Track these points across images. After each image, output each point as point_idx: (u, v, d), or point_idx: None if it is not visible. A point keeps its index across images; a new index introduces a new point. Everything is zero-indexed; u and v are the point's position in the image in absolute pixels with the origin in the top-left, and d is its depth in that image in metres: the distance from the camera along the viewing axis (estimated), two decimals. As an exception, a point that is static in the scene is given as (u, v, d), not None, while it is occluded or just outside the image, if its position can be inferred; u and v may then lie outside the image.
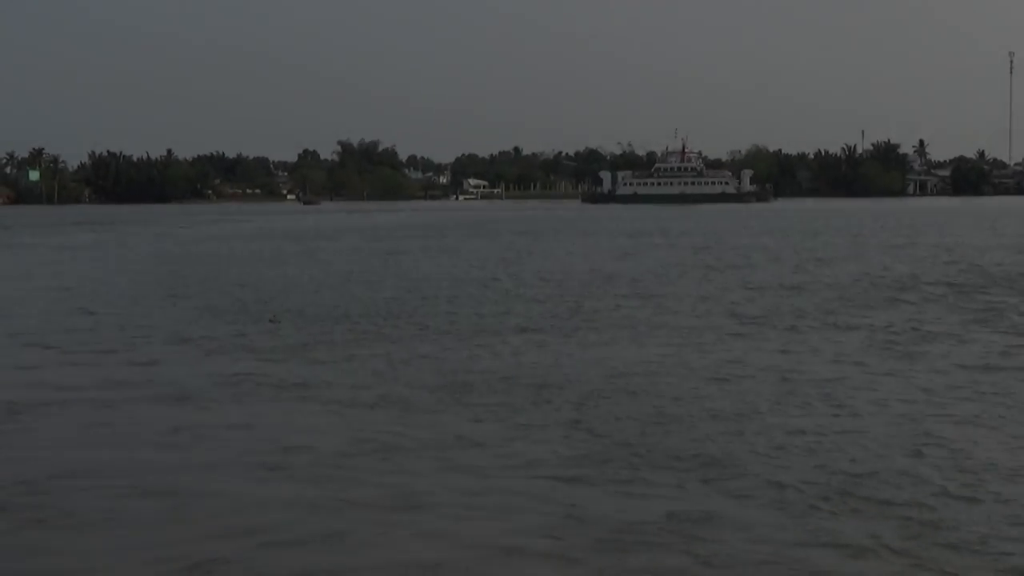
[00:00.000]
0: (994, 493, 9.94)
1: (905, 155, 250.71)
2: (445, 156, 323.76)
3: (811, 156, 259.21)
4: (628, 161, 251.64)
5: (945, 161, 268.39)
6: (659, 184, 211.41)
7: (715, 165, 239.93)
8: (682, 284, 32.32)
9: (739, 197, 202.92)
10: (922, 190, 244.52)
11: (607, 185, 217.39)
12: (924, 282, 31.42)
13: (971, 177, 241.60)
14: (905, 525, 9.14)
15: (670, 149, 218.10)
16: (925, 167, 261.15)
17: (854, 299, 27.05)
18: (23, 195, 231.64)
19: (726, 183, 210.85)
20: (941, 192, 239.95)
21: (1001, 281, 31.40)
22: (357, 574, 8.38)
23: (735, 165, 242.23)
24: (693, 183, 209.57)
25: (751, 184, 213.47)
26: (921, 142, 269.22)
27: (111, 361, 18.58)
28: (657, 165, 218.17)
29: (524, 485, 10.49)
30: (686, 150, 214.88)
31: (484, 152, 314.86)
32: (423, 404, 14.44)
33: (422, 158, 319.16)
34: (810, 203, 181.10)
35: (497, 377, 16.26)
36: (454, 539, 9.02)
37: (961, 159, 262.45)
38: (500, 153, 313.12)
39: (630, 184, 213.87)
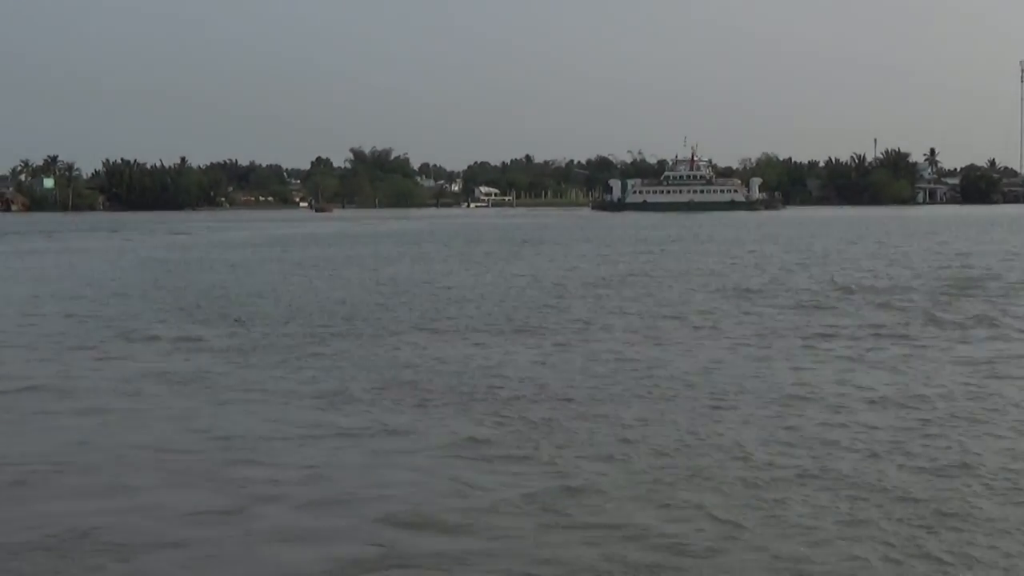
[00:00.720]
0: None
1: (915, 164, 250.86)
2: (458, 164, 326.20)
3: (822, 165, 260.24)
4: (639, 169, 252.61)
5: (956, 170, 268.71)
6: (668, 192, 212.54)
7: (726, 173, 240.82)
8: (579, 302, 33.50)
9: (748, 205, 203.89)
10: (931, 199, 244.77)
11: (616, 193, 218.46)
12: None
13: (981, 185, 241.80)
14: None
15: (679, 157, 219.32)
16: (935, 176, 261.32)
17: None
18: (38, 202, 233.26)
19: (735, 191, 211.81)
20: (951, 201, 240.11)
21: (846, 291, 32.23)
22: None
23: (746, 173, 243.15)
24: (702, 191, 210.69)
25: (760, 192, 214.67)
26: (932, 151, 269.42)
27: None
28: (666, 173, 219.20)
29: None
30: (695, 158, 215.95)
31: (496, 160, 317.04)
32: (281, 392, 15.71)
33: (435, 166, 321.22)
34: (808, 212, 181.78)
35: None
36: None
37: (971, 167, 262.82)
38: (512, 161, 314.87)
39: (639, 192, 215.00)
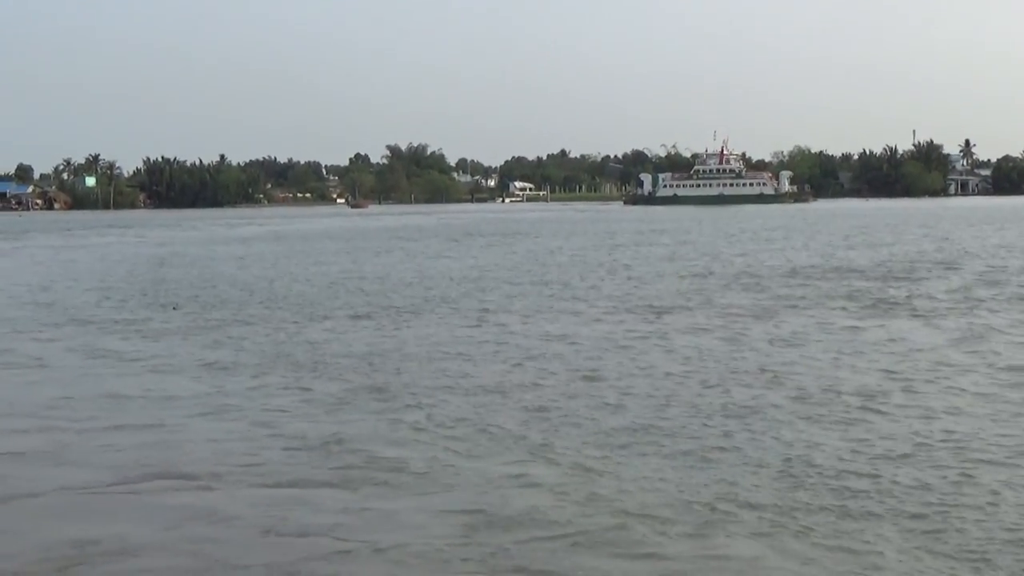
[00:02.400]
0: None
1: (947, 155, 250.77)
2: (495, 159, 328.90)
3: (856, 157, 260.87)
4: (673, 163, 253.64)
5: (990, 161, 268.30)
6: (698, 186, 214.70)
7: (759, 166, 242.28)
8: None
9: (777, 198, 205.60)
10: (963, 190, 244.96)
11: (647, 187, 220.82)
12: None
13: (1013, 176, 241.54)
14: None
15: (709, 151, 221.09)
16: (968, 167, 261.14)
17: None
18: (80, 201, 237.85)
19: (764, 184, 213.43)
20: (983, 192, 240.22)
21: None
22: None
23: (779, 166, 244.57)
24: (731, 184, 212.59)
25: (791, 185, 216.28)
26: (967, 142, 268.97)
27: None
28: (696, 167, 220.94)
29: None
30: (725, 152, 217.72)
31: (533, 155, 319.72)
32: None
33: (472, 161, 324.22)
34: (833, 204, 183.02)
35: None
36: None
37: (1005, 158, 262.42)
38: (548, 156, 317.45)
39: (669, 186, 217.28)
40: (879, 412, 13.75)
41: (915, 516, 9.57)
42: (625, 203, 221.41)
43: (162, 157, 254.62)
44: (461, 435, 12.94)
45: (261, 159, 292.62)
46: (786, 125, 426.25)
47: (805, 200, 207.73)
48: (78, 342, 21.90)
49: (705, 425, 13.18)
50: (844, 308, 25.35)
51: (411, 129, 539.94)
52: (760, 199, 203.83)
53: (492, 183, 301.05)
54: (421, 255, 52.00)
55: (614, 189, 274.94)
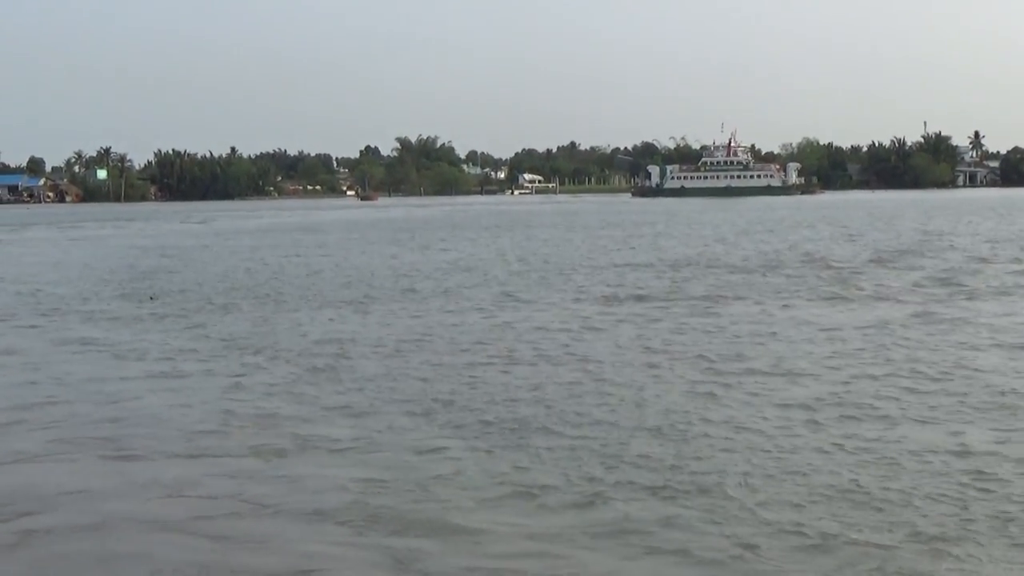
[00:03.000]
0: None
1: (955, 147, 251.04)
2: (505, 151, 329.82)
3: (865, 149, 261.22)
4: (683, 155, 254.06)
5: (999, 152, 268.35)
6: (705, 178, 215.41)
7: (768, 158, 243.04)
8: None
9: (784, 190, 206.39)
10: (972, 182, 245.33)
11: (655, 179, 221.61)
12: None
13: (1021, 168, 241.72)
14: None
15: (717, 143, 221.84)
16: (977, 159, 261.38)
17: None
18: (91, 193, 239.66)
19: (771, 176, 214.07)
20: (991, 183, 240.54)
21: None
22: None
23: (788, 158, 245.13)
24: (739, 176, 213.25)
25: (799, 177, 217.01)
26: (976, 133, 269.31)
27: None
28: (704, 159, 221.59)
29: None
30: (732, 144, 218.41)
31: (543, 148, 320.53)
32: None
33: (482, 153, 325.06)
34: (840, 196, 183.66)
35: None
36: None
37: (1015, 150, 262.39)
38: (558, 148, 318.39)
39: (677, 178, 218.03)
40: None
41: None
42: (633, 195, 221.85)
43: (173, 150, 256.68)
44: (382, 412, 13.94)
45: (272, 151, 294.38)
46: (796, 117, 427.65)
47: (812, 192, 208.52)
48: (47, 330, 22.97)
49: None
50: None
51: (422, 122, 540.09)
52: (768, 191, 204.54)
53: (502, 175, 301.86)
54: (407, 247, 53.15)
55: (623, 181, 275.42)
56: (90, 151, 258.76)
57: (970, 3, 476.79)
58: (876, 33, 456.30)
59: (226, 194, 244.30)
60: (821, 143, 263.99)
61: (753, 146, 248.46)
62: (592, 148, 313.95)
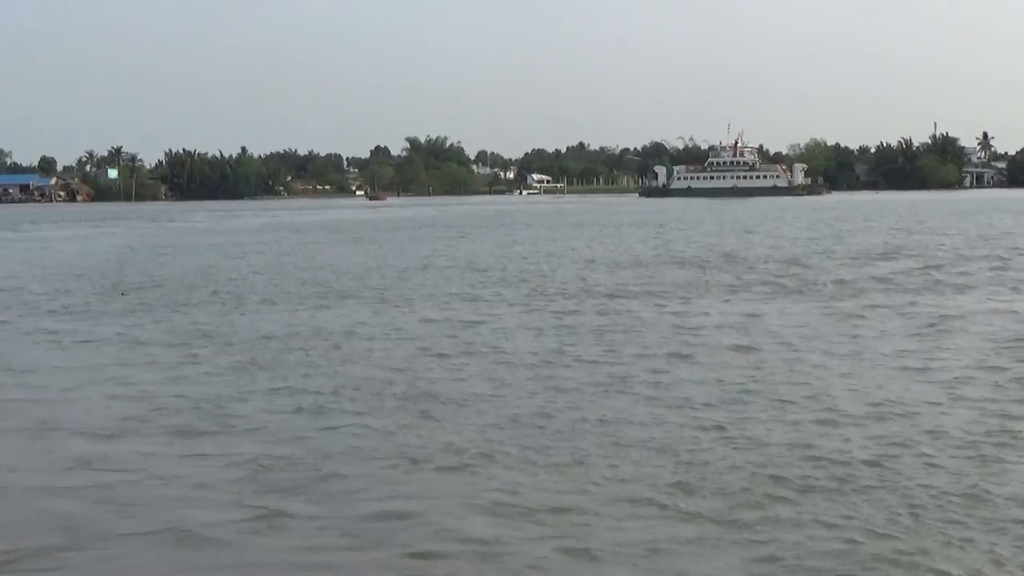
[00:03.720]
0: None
1: (962, 148, 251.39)
2: (515, 152, 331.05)
3: (873, 150, 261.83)
4: (691, 155, 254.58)
5: (1007, 154, 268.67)
6: (711, 178, 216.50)
7: (776, 159, 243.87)
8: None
9: (790, 190, 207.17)
10: (979, 183, 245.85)
11: (662, 179, 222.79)
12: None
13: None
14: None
15: (723, 144, 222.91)
16: (985, 160, 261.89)
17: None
18: (102, 192, 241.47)
19: (777, 176, 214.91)
20: (998, 184, 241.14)
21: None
22: None
23: (795, 158, 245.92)
24: (745, 177, 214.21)
25: (805, 178, 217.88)
26: (985, 134, 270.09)
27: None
28: (710, 160, 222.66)
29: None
30: (738, 144, 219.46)
31: (553, 148, 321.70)
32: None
33: (492, 154, 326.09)
34: (840, 197, 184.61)
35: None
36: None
37: (1023, 151, 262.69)
38: (568, 149, 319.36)
39: (684, 178, 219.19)
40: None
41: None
42: (640, 195, 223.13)
43: (183, 150, 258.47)
44: (302, 399, 15.16)
45: (282, 151, 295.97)
46: (807, 118, 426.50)
47: (818, 192, 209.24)
48: (19, 323, 24.27)
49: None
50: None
51: (434, 122, 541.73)
52: (773, 191, 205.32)
53: (511, 175, 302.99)
54: (386, 245, 54.48)
55: (631, 181, 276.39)
56: (101, 151, 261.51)
57: (982, 3, 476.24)
58: (888, 33, 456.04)
59: (236, 194, 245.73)
60: (829, 144, 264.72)
61: (761, 147, 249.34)
62: (601, 148, 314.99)
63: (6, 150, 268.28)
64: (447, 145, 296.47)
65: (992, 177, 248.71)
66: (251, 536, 9.59)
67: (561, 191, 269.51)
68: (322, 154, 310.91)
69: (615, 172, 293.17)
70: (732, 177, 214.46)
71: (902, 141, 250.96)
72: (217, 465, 11.85)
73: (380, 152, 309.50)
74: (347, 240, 61.86)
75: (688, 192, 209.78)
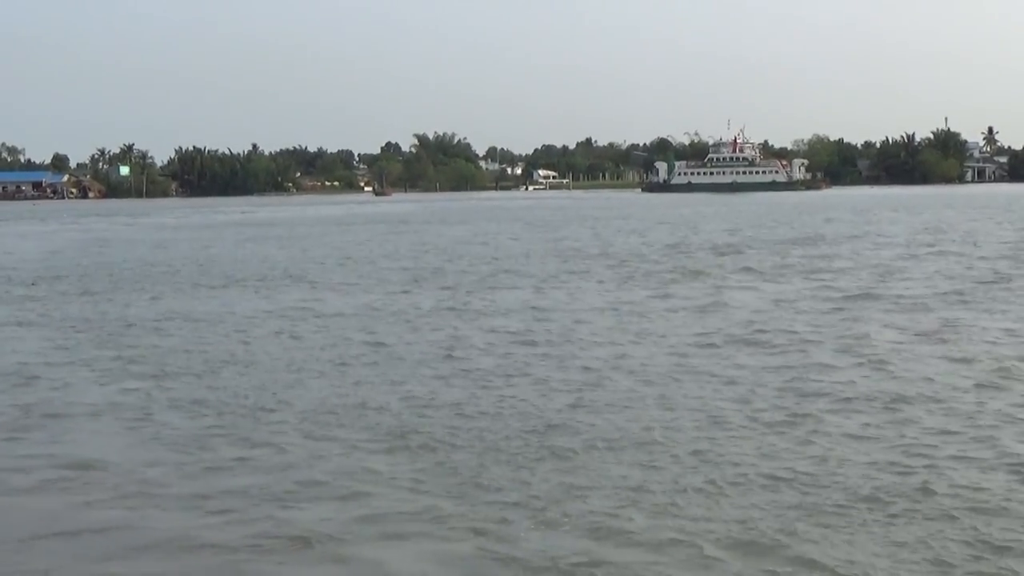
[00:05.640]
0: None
1: (964, 142, 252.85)
2: (525, 148, 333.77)
3: (878, 145, 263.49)
4: (696, 150, 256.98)
5: (1010, 148, 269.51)
6: (711, 173, 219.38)
7: (780, 154, 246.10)
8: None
9: (789, 185, 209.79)
10: (980, 177, 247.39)
11: (662, 175, 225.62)
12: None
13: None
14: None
15: (723, 139, 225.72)
16: (988, 154, 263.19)
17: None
18: (114, 189, 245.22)
19: (776, 172, 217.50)
20: (999, 179, 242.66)
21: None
22: None
23: (799, 154, 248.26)
24: (744, 172, 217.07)
25: (806, 173, 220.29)
26: (990, 129, 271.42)
27: None
28: (710, 155, 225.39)
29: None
30: (738, 140, 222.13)
31: (561, 144, 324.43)
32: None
33: (502, 149, 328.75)
34: (837, 191, 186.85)
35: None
36: None
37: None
38: (577, 145, 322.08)
39: (684, 174, 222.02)
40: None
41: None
42: (643, 191, 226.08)
43: (193, 147, 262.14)
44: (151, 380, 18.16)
45: (292, 148, 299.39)
46: (813, 113, 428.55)
47: (818, 187, 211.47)
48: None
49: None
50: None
51: (445, 119, 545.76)
52: (772, 187, 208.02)
53: (519, 171, 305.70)
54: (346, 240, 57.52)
55: (637, 177, 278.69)
56: (114, 148, 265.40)
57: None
58: (894, 27, 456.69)
59: (245, 190, 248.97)
60: (832, 139, 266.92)
61: (766, 142, 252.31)
62: (609, 144, 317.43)
63: (20, 148, 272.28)
64: (455, 141, 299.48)
65: (994, 171, 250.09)
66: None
67: (567, 187, 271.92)
68: (334, 150, 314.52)
69: (621, 168, 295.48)
70: (732, 173, 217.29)
71: (904, 136, 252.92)
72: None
73: (391, 148, 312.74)
74: (287, 236, 64.77)
75: (688, 187, 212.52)
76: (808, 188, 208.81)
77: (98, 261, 44.16)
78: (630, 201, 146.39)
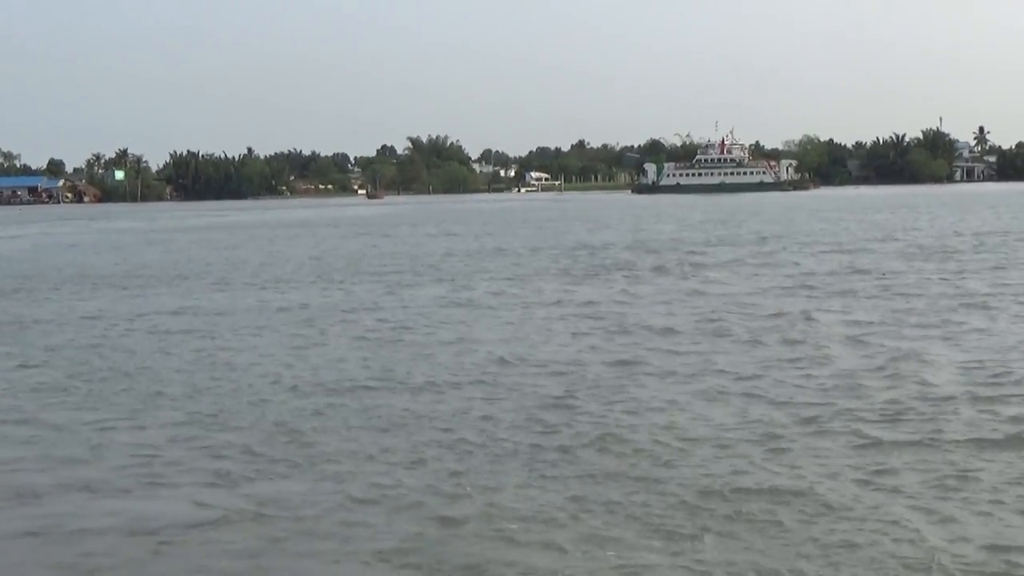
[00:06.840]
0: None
1: (953, 142, 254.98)
2: (519, 150, 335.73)
3: (869, 146, 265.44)
4: (688, 152, 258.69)
5: (999, 147, 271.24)
6: (700, 175, 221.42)
7: (771, 155, 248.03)
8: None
9: (777, 186, 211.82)
10: (969, 176, 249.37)
11: (651, 176, 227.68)
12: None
13: (1017, 163, 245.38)
14: None
15: (711, 141, 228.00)
16: (978, 154, 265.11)
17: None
18: (109, 194, 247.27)
19: (764, 172, 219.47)
20: (988, 178, 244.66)
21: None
22: None
23: (788, 154, 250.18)
24: (733, 173, 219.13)
25: (795, 173, 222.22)
26: (981, 129, 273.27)
27: None
28: (698, 156, 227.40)
29: None
30: (726, 142, 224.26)
31: (555, 146, 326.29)
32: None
33: (496, 152, 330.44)
34: (823, 192, 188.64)
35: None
36: None
37: (1019, 145, 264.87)
38: (571, 147, 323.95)
39: (673, 175, 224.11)
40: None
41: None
42: (633, 192, 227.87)
43: (188, 151, 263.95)
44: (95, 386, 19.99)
45: (287, 152, 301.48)
46: (804, 114, 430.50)
47: (806, 188, 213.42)
48: None
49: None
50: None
51: (439, 121, 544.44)
52: (760, 187, 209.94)
53: (512, 174, 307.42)
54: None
55: (629, 178, 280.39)
56: (109, 153, 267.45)
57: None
58: (885, 28, 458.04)
59: (240, 194, 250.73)
60: (823, 140, 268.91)
61: (757, 143, 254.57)
62: (603, 146, 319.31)
63: (16, 153, 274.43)
64: (448, 144, 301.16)
65: (983, 171, 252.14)
66: None
67: (559, 189, 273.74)
68: (328, 154, 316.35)
69: (614, 169, 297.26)
70: (720, 174, 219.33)
71: (894, 136, 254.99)
72: None
73: (386, 151, 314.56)
74: (242, 239, 66.16)
75: (677, 189, 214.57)
76: (796, 188, 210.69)
77: (31, 265, 45.90)
78: (610, 203, 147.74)
